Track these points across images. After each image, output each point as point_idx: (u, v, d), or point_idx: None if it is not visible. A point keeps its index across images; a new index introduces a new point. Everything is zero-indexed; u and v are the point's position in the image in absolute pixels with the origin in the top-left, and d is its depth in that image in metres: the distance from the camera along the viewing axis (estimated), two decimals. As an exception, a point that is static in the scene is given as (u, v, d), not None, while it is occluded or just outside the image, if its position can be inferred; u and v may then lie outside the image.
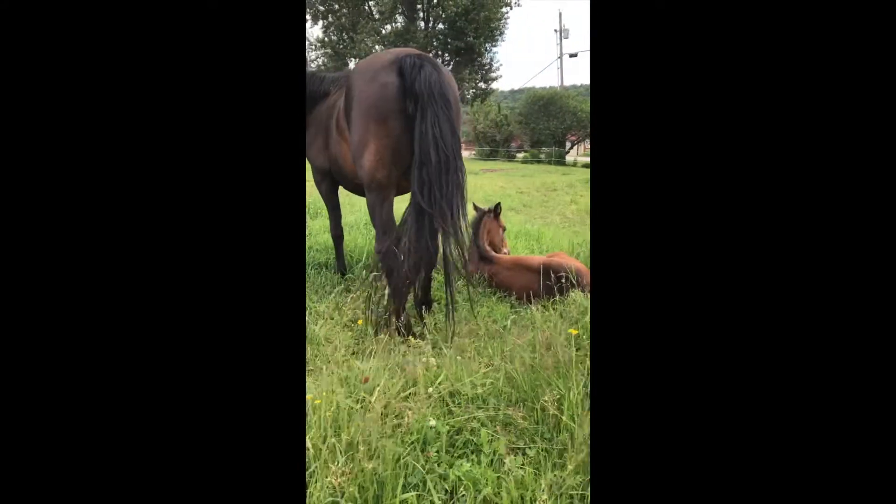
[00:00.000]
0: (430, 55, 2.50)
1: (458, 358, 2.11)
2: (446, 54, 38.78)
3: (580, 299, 2.66)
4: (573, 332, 2.04)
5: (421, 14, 37.32)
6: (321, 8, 37.26)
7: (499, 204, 3.69)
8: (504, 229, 3.74)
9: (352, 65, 38.65)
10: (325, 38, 38.74)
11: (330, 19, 38.05)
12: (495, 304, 3.05)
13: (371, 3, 37.99)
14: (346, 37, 37.48)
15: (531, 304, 3.01)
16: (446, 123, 2.23)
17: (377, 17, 38.19)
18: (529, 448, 1.59)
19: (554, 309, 2.72)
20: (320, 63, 40.48)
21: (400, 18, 37.71)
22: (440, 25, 36.38)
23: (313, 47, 38.87)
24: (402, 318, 2.51)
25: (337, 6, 37.52)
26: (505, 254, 3.66)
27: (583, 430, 1.50)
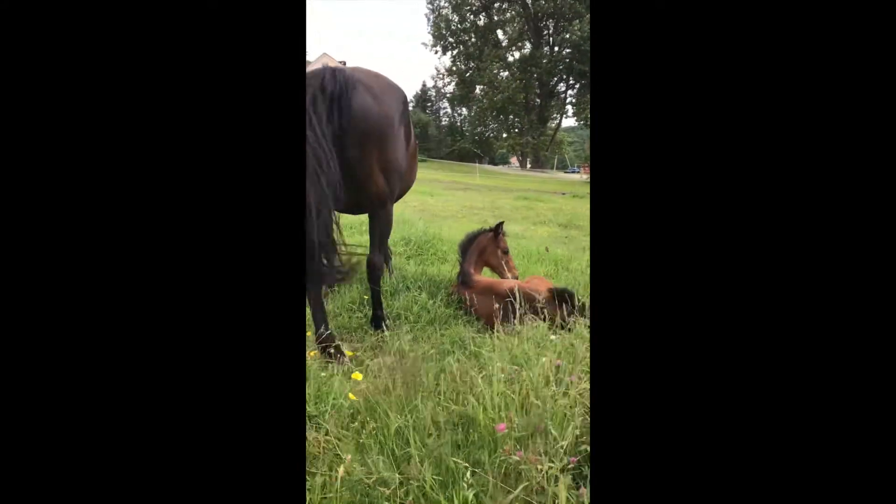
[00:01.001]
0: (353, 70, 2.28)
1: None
2: (570, 78, 38.24)
3: (521, 327, 2.39)
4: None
5: (547, 39, 37.41)
6: (451, 40, 39.31)
7: (499, 224, 3.47)
8: (505, 251, 3.50)
9: (478, 91, 40.00)
10: (454, 68, 40.69)
11: (459, 49, 39.93)
12: (456, 326, 2.87)
13: (499, 31, 39.12)
14: (472, 65, 38.95)
15: (493, 329, 2.78)
16: (321, 133, 2.10)
17: (504, 44, 39.16)
18: (309, 477, 1.45)
19: (493, 336, 2.49)
20: (449, 91, 42.61)
21: (527, 44, 38.22)
22: (566, 50, 36.07)
23: (441, 76, 41.06)
24: (322, 333, 2.37)
25: (466, 37, 39.28)
26: (510, 277, 3.44)
27: (338, 473, 1.32)
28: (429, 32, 39.48)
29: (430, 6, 39.54)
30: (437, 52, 40.21)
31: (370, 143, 2.34)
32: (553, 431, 1.39)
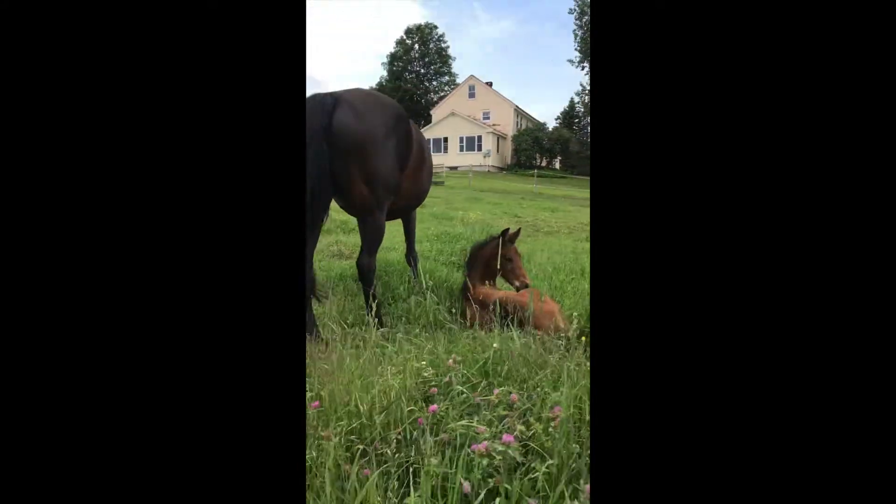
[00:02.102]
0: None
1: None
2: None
3: (481, 335, 2.37)
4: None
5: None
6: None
7: (504, 231, 3.30)
8: (508, 259, 3.36)
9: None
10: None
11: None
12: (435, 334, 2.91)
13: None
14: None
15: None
16: (311, 159, 2.45)
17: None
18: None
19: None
20: (583, 108, 41.33)
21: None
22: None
23: (587, 92, 39.95)
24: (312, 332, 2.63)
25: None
26: (517, 286, 3.33)
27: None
28: (576, 49, 38.91)
29: (577, 23, 38.99)
30: (583, 69, 39.26)
31: (350, 155, 2.60)
32: (377, 417, 1.46)
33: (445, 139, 36.38)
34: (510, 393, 1.47)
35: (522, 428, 1.25)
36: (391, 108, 2.80)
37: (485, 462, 1.20)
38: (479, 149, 35.15)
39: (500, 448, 1.13)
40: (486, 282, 3.27)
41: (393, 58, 45.82)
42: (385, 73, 46.24)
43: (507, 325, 2.63)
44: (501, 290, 3.16)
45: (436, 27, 45.68)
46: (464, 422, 1.32)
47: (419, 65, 46.04)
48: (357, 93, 2.74)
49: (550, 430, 1.34)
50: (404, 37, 45.64)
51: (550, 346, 1.92)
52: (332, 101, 2.57)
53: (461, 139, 35.84)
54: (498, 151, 36.38)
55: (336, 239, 6.25)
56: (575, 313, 2.70)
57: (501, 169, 36.05)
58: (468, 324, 3.04)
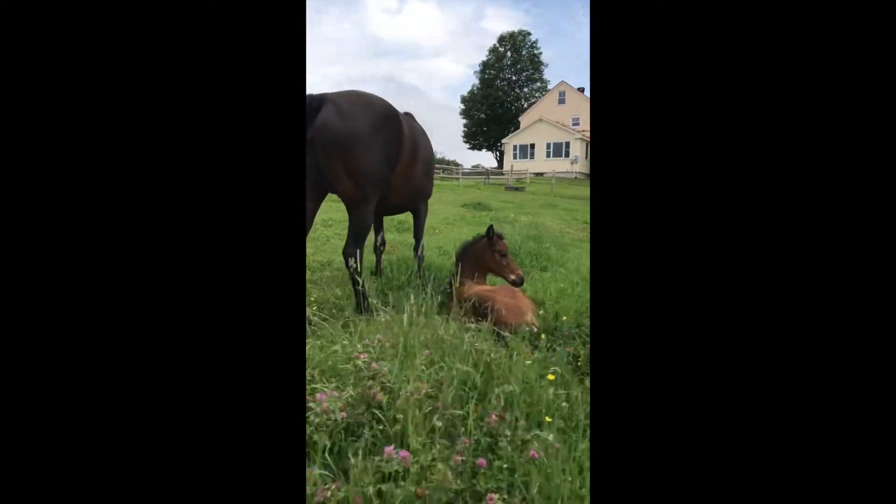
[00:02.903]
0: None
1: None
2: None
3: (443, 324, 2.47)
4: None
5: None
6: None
7: (489, 228, 3.40)
8: (501, 254, 3.34)
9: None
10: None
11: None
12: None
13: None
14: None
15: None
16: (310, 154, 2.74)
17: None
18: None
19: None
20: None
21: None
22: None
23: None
24: None
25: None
26: (513, 279, 3.34)
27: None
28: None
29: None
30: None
31: (332, 151, 2.83)
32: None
33: (532, 145, 36.02)
34: (384, 367, 1.59)
35: (353, 393, 1.36)
36: (379, 108, 2.99)
37: (317, 420, 1.33)
38: (567, 155, 34.36)
39: (312, 405, 1.26)
40: (475, 278, 3.34)
41: (485, 66, 46.22)
42: (477, 81, 46.85)
43: (476, 318, 2.70)
44: (487, 286, 3.23)
45: (529, 34, 45.46)
46: (317, 385, 1.46)
47: (511, 72, 45.97)
48: (345, 94, 2.97)
49: (398, 403, 1.44)
50: (497, 44, 45.92)
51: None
52: (318, 101, 2.82)
53: (548, 145, 35.28)
54: (586, 158, 35.29)
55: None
56: (541, 311, 2.70)
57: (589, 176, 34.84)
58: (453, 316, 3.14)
